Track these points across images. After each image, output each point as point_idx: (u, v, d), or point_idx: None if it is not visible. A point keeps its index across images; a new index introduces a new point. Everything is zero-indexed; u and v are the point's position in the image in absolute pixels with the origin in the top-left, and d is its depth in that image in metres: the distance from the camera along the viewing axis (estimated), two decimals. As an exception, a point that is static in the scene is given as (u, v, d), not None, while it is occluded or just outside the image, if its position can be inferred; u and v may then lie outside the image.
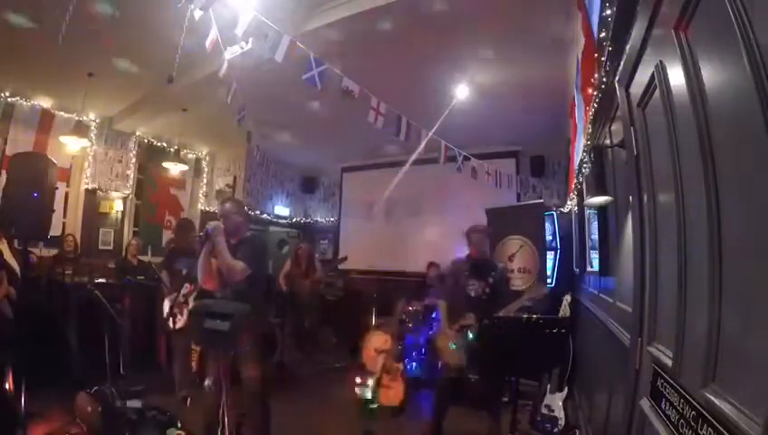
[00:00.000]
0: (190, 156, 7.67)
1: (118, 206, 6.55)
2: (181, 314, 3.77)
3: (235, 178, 7.96)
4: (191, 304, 3.71)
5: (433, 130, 4.45)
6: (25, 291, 3.49)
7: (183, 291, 3.73)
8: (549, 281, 5.13)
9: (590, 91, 2.28)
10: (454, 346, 3.02)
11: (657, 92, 1.47)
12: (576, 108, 3.23)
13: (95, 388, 3.31)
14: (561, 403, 3.38)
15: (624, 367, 1.89)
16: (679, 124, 1.31)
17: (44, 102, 5.65)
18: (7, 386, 2.93)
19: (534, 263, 4.99)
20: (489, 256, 3.32)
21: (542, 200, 5.73)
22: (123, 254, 5.63)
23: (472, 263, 3.20)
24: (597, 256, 3.00)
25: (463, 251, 3.42)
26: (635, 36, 1.65)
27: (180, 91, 4.85)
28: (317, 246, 8.55)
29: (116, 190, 6.56)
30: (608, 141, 2.47)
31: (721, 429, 0.95)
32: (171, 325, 3.55)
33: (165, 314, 3.87)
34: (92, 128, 6.18)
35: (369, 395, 4.11)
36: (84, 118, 5.96)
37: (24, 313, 3.31)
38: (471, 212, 5.84)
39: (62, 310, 4.44)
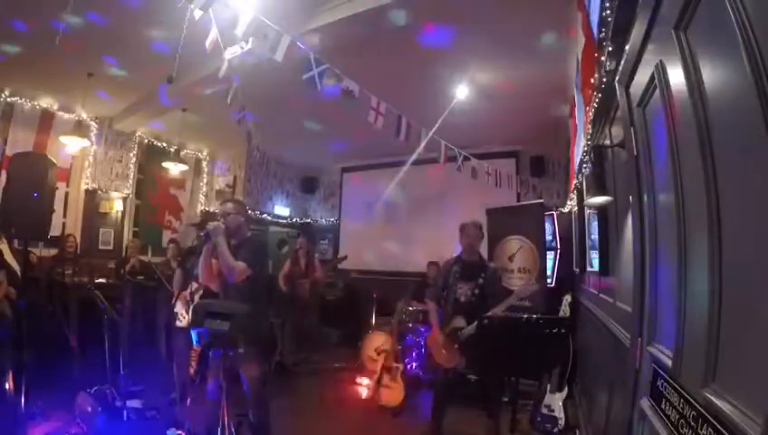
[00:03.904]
0: (190, 156, 7.68)
1: (118, 206, 6.56)
2: (185, 313, 3.77)
3: (235, 178, 7.97)
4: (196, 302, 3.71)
5: (433, 130, 4.45)
6: (25, 291, 3.48)
7: (191, 289, 3.73)
8: (549, 281, 5.13)
9: (590, 91, 2.28)
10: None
11: (657, 92, 1.47)
12: (576, 108, 3.23)
13: (95, 388, 3.31)
14: (561, 403, 3.38)
15: (624, 367, 1.89)
16: (679, 124, 1.31)
17: (44, 102, 5.66)
18: (7, 386, 2.93)
19: (534, 263, 4.99)
20: (481, 256, 3.28)
21: (542, 200, 5.73)
22: (123, 254, 5.63)
23: (462, 264, 3.17)
24: (597, 256, 3.00)
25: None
26: (635, 36, 1.65)
27: (180, 91, 4.85)
28: (317, 246, 8.54)
29: (116, 190, 6.57)
30: (608, 141, 2.47)
31: (721, 429, 0.95)
32: (174, 323, 3.55)
33: (177, 313, 3.85)
34: (92, 128, 6.18)
35: (368, 395, 4.12)
36: (84, 118, 5.96)
37: (23, 313, 3.31)
38: (471, 212, 5.83)
39: (62, 310, 4.44)
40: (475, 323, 2.86)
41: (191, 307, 3.69)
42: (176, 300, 3.62)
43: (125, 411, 3.15)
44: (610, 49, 1.84)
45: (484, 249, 5.33)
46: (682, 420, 1.19)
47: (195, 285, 3.74)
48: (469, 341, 2.93)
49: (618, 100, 2.02)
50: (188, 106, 5.65)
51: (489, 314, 2.88)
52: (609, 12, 1.76)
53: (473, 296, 3.02)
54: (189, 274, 3.81)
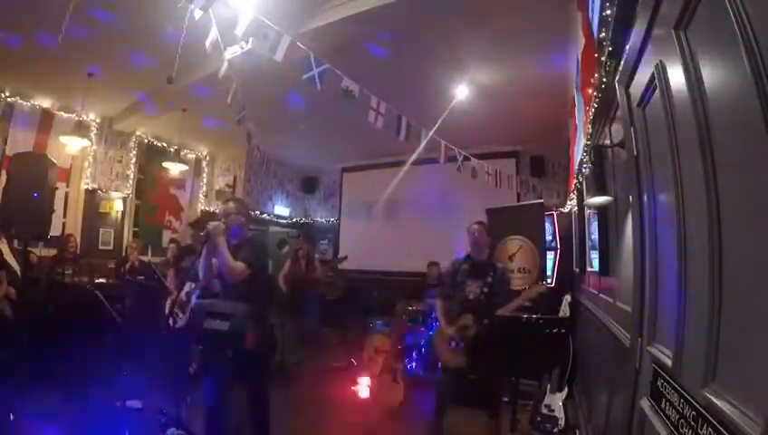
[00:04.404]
0: (190, 156, 7.68)
1: (118, 206, 6.56)
2: (183, 313, 3.76)
3: (235, 178, 7.98)
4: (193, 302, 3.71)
5: (433, 130, 4.45)
6: (25, 291, 3.48)
7: (185, 289, 3.72)
8: (549, 281, 5.13)
9: (590, 91, 2.28)
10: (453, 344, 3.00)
11: (657, 92, 1.47)
12: (576, 108, 3.23)
13: (95, 388, 3.31)
14: (561, 403, 3.38)
15: (624, 367, 1.89)
16: (679, 124, 1.31)
17: (44, 102, 5.66)
18: (7, 386, 2.93)
19: (534, 263, 5.00)
20: (490, 255, 3.28)
21: (542, 200, 5.74)
22: (123, 254, 5.63)
23: (471, 263, 3.18)
24: (597, 256, 3.00)
25: (463, 251, 3.41)
26: (635, 36, 1.65)
27: (180, 91, 4.85)
28: (317, 246, 8.55)
29: (116, 190, 6.57)
30: (608, 141, 2.47)
31: (721, 429, 0.95)
32: (171, 324, 3.54)
33: (176, 313, 3.86)
34: (92, 128, 6.18)
35: (368, 395, 4.12)
36: (84, 118, 5.96)
37: (24, 313, 3.31)
38: (471, 212, 5.84)
39: (62, 310, 4.44)
40: (485, 321, 2.88)
41: (190, 307, 3.70)
42: (173, 300, 3.62)
43: (125, 411, 3.15)
44: (610, 49, 1.84)
45: (484, 249, 5.37)
46: (682, 420, 1.19)
47: (192, 285, 3.74)
48: (472, 340, 2.93)
49: (618, 100, 2.01)
50: (188, 106, 5.65)
51: (497, 313, 2.89)
52: (609, 12, 1.76)
53: (482, 294, 3.02)
54: (186, 273, 3.82)
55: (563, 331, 2.85)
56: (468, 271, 3.13)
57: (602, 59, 1.93)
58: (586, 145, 2.63)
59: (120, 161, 6.66)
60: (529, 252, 5.05)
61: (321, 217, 9.07)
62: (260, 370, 2.64)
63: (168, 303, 3.90)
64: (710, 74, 1.08)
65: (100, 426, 3.05)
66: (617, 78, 1.96)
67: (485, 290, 3.02)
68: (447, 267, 3.44)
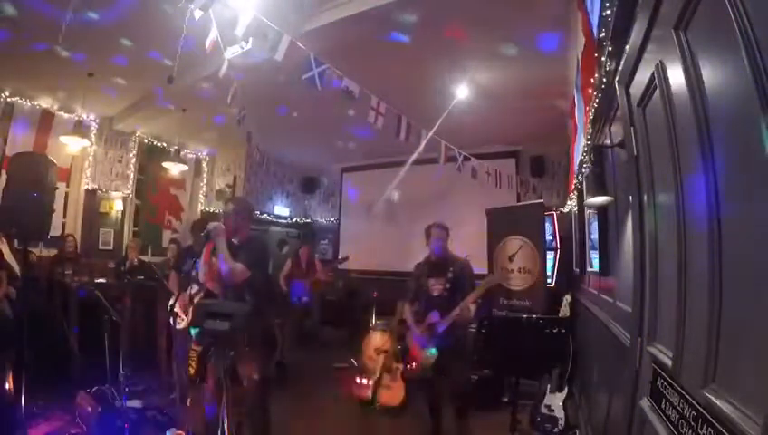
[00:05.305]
0: (190, 156, 7.68)
1: (118, 206, 6.56)
2: (185, 315, 3.76)
3: (235, 178, 7.98)
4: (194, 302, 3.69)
5: (433, 130, 4.45)
6: (25, 291, 3.48)
7: (190, 291, 3.71)
8: (549, 281, 5.13)
9: (590, 91, 2.28)
10: (432, 352, 3.02)
11: (657, 92, 1.47)
12: (576, 108, 3.23)
13: (95, 388, 3.31)
14: (561, 403, 3.38)
15: (624, 367, 1.89)
16: (679, 124, 1.31)
17: (44, 102, 5.66)
18: (7, 386, 2.93)
19: (534, 263, 4.99)
20: (450, 254, 3.29)
21: (542, 200, 5.73)
22: (123, 254, 5.63)
23: (430, 263, 3.22)
24: (597, 256, 3.00)
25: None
26: (635, 36, 1.65)
27: (180, 91, 4.85)
28: (317, 247, 8.55)
29: (116, 190, 6.57)
30: (608, 141, 2.47)
31: (721, 429, 0.95)
32: (173, 325, 3.54)
33: (176, 314, 3.85)
34: (92, 128, 6.18)
35: (369, 395, 4.11)
36: (84, 118, 5.96)
37: (23, 313, 3.31)
38: (471, 212, 5.84)
39: (62, 310, 4.44)
40: (449, 315, 2.91)
41: (191, 308, 3.69)
42: (174, 302, 3.62)
43: (125, 411, 3.15)
44: (610, 49, 1.84)
45: (483, 249, 5.37)
46: (682, 420, 1.19)
47: (195, 288, 3.73)
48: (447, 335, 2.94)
49: (618, 100, 2.01)
50: (188, 106, 5.65)
51: (461, 305, 2.91)
52: (609, 12, 1.76)
53: (445, 290, 3.06)
54: (187, 275, 3.81)
55: (563, 331, 2.86)
56: (429, 270, 3.17)
57: (602, 59, 1.92)
58: (586, 145, 2.63)
59: (120, 161, 6.66)
60: (529, 252, 5.05)
61: (321, 217, 9.07)
62: (260, 370, 2.64)
63: (170, 303, 3.90)
64: (710, 74, 1.08)
65: (101, 426, 3.05)
66: (617, 78, 1.96)
67: (448, 286, 3.06)
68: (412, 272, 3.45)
